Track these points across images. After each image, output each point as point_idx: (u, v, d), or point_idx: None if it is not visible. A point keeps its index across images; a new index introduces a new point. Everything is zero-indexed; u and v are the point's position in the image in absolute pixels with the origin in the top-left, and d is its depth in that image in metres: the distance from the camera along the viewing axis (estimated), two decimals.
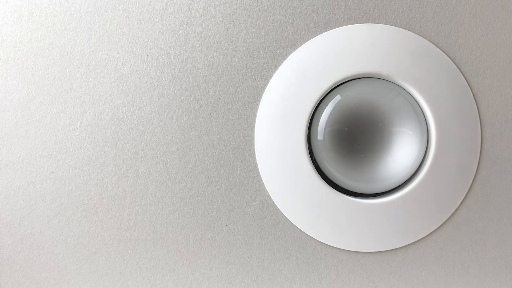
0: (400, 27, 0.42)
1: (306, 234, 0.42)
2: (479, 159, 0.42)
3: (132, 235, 0.42)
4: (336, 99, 0.41)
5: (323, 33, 0.42)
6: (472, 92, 0.42)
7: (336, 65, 0.41)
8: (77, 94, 0.41)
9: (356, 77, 0.42)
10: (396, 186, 0.42)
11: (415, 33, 0.42)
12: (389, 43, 0.41)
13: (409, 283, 0.43)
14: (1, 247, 0.42)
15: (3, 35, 0.41)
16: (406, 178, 0.42)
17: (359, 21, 0.42)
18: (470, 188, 0.42)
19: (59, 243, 0.42)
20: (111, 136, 0.42)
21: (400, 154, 0.41)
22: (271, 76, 0.42)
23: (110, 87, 0.42)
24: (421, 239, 0.42)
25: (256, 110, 0.42)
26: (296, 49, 0.42)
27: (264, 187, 0.42)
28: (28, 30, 0.41)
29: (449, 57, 0.42)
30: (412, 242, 0.42)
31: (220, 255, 0.42)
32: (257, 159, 0.42)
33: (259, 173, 0.42)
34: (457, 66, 0.42)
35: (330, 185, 0.42)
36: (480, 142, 0.42)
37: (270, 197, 0.42)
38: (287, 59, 0.42)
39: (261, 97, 0.42)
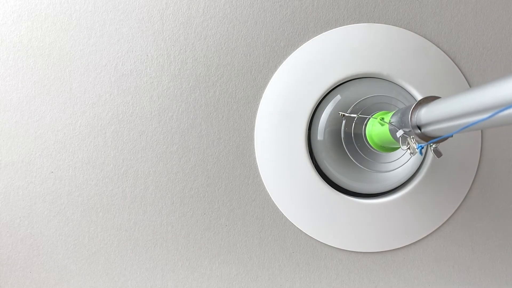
0: (400, 27, 0.42)
1: (306, 234, 0.42)
2: (479, 159, 0.42)
3: (132, 235, 0.42)
4: (336, 99, 0.41)
5: (323, 33, 0.42)
6: None
7: (336, 64, 0.41)
8: (77, 94, 0.41)
9: (356, 77, 0.42)
10: (396, 186, 0.42)
11: (415, 33, 0.42)
12: (389, 43, 0.41)
13: (409, 283, 0.43)
14: (1, 247, 0.42)
15: (3, 35, 0.41)
16: (406, 178, 0.42)
17: (359, 21, 0.42)
18: (470, 188, 0.42)
19: (59, 243, 0.42)
20: (111, 136, 0.42)
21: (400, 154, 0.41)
22: (271, 76, 0.42)
23: (110, 87, 0.41)
24: (421, 239, 0.42)
25: (256, 110, 0.42)
26: (296, 49, 0.42)
27: (264, 187, 0.42)
28: (28, 30, 0.41)
29: (449, 57, 0.42)
30: (412, 242, 0.42)
31: (220, 255, 0.42)
32: (257, 159, 0.42)
33: (259, 173, 0.42)
34: (457, 66, 0.42)
35: (330, 185, 0.42)
36: (480, 142, 0.42)
37: (270, 197, 0.42)
38: (287, 59, 0.42)
39: (261, 97, 0.42)
